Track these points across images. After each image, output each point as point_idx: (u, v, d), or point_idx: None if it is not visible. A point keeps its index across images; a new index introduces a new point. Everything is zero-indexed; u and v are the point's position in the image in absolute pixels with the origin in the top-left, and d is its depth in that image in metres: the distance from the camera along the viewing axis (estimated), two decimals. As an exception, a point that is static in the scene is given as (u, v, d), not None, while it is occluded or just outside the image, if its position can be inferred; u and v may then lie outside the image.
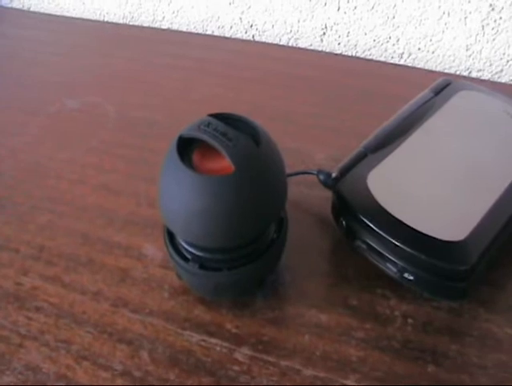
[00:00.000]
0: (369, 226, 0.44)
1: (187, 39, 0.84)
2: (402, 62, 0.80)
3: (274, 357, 0.42)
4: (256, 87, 0.72)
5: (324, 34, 0.83)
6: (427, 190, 0.46)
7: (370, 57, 0.82)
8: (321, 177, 0.51)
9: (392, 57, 0.81)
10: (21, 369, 0.42)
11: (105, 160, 0.61)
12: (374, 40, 0.80)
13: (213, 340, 0.44)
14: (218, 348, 0.43)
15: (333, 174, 0.49)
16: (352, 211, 0.46)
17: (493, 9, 0.70)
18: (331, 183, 0.49)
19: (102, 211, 0.55)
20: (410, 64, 0.80)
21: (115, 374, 0.42)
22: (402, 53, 0.80)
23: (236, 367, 0.42)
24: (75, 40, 0.86)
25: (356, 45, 0.82)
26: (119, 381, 0.41)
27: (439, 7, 0.73)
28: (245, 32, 0.87)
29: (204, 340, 0.44)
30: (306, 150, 0.60)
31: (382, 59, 0.81)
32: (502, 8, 0.70)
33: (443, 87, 0.57)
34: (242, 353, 0.43)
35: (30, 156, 0.63)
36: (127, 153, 0.61)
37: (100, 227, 0.53)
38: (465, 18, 0.73)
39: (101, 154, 0.62)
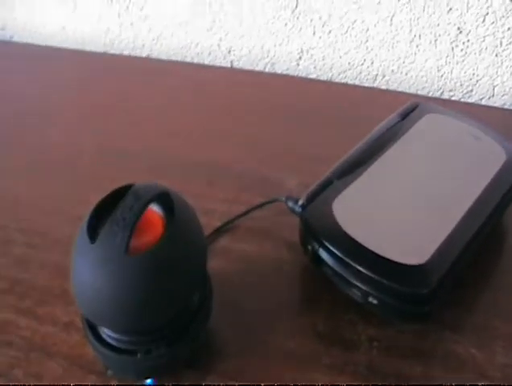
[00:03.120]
0: (333, 252, 0.45)
1: (166, 67, 0.86)
2: (376, 84, 0.82)
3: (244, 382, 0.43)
4: (231, 114, 0.73)
5: (300, 58, 0.84)
6: (391, 215, 0.47)
7: (345, 80, 0.83)
8: (289, 204, 0.52)
9: (367, 79, 0.82)
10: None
11: (82, 192, 0.61)
12: (349, 63, 0.82)
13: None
14: (186, 382, 0.44)
15: (300, 202, 0.50)
16: (317, 237, 0.47)
17: (460, 32, 0.72)
18: (298, 210, 0.50)
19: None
20: (384, 86, 0.81)
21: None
22: (377, 75, 0.81)
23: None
24: (55, 70, 0.87)
25: (331, 68, 0.83)
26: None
27: (411, 30, 0.75)
28: (224, 58, 0.89)
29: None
30: (278, 177, 0.61)
31: (357, 81, 0.83)
32: (470, 31, 0.72)
33: (411, 110, 0.58)
34: (211, 381, 0.43)
35: (6, 187, 0.64)
36: (104, 185, 0.61)
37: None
38: (435, 40, 0.74)
39: (78, 186, 0.63)
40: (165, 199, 0.39)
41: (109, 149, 0.69)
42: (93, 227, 0.38)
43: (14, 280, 0.52)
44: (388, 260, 0.43)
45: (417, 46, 0.76)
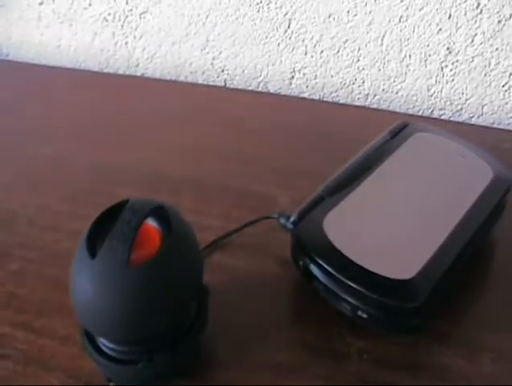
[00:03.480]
0: (324, 267, 0.46)
1: (161, 86, 0.87)
2: (367, 102, 0.83)
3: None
4: (224, 132, 0.74)
5: (293, 77, 0.86)
6: (380, 232, 0.48)
7: (337, 98, 0.85)
8: (282, 221, 0.53)
9: (358, 98, 0.84)
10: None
11: (78, 207, 0.62)
12: (341, 82, 0.83)
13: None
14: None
15: (292, 218, 0.51)
16: (308, 253, 0.48)
17: (450, 52, 0.74)
18: (290, 227, 0.51)
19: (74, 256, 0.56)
20: (375, 105, 0.83)
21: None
22: (368, 94, 0.83)
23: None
24: (50, 88, 0.88)
25: (323, 87, 0.85)
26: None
27: (401, 50, 0.76)
28: (217, 77, 0.90)
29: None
30: (270, 194, 0.62)
31: (349, 100, 0.84)
32: (459, 51, 0.73)
33: (400, 129, 0.60)
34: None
35: (3, 203, 0.64)
36: (99, 200, 0.62)
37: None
38: (425, 60, 0.76)
39: (74, 201, 0.64)
40: (161, 213, 0.40)
41: (103, 164, 0.70)
42: (92, 243, 0.39)
43: (10, 294, 0.53)
44: (377, 275, 0.44)
45: (407, 65, 0.78)
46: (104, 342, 0.41)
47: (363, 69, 0.81)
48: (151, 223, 0.41)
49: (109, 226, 0.39)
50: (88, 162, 0.70)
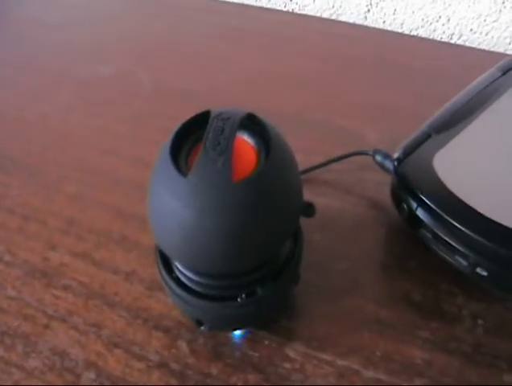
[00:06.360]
0: (437, 213, 0.40)
1: (225, 9, 0.80)
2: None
3: (330, 355, 0.38)
4: (297, 60, 0.67)
5: (369, 11, 0.78)
6: (501, 176, 0.41)
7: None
8: (378, 158, 0.47)
9: (441, 38, 0.76)
10: (47, 353, 0.39)
11: (140, 131, 0.56)
12: (423, 19, 0.75)
13: (262, 333, 0.39)
14: (267, 342, 0.39)
15: (395, 155, 0.44)
16: (417, 196, 0.41)
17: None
18: (389, 165, 0.45)
19: (137, 185, 0.50)
20: (460, 46, 0.75)
21: (150, 365, 0.37)
22: (452, 34, 0.75)
23: (287, 365, 0.37)
24: (108, 6, 0.82)
25: (402, 24, 0.77)
26: (156, 374, 0.37)
27: (498, -16, 0.68)
28: (284, 6, 0.83)
29: (251, 333, 0.39)
30: (356, 129, 0.55)
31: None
32: None
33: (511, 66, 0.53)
34: (294, 349, 0.38)
35: (60, 122, 0.59)
36: (163, 124, 0.56)
37: (134, 202, 0.49)
38: (527, -5, 0.68)
39: (135, 125, 0.58)
40: (252, 123, 0.33)
41: (168, 88, 0.63)
42: (175, 160, 0.32)
43: (69, 220, 0.48)
44: (504, 226, 0.37)
45: (503, 2, 0.69)
46: (192, 278, 0.35)
47: (449, 5, 0.73)
48: (240, 134, 0.33)
49: (188, 141, 0.33)
50: (150, 84, 0.64)
